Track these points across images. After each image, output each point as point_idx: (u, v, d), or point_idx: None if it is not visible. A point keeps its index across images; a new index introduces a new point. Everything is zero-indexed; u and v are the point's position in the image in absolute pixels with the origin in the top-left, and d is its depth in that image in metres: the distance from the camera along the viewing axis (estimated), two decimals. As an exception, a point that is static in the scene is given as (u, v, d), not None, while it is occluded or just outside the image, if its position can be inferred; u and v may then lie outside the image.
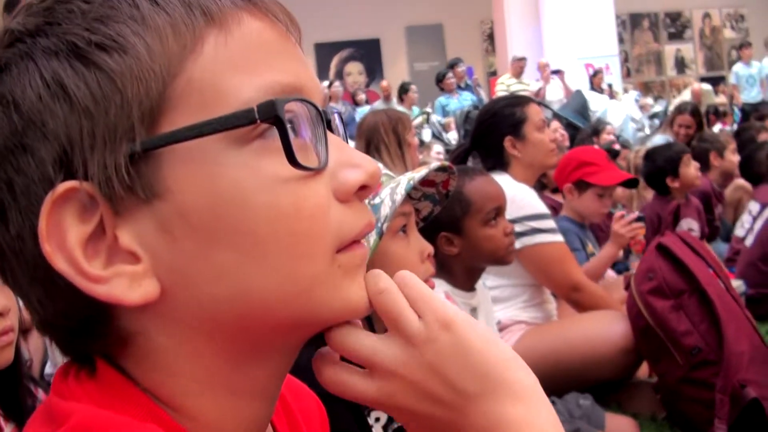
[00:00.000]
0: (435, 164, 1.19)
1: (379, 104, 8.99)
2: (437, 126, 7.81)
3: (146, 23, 0.45)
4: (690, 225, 3.60)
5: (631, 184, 3.13)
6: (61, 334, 0.48)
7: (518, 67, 9.05)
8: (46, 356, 2.43)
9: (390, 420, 1.23)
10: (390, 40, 13.11)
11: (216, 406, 0.48)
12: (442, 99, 8.94)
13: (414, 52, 13.17)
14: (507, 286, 2.52)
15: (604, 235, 3.53)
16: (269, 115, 0.44)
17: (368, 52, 13.11)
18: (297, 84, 0.48)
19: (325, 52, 12.47)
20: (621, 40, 12.35)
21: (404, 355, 0.50)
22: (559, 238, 2.50)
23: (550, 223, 2.50)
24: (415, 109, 8.59)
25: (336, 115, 0.54)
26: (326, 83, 9.07)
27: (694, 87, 10.08)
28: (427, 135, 7.23)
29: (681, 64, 14.13)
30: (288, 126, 0.45)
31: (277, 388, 0.52)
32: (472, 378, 0.49)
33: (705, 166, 4.41)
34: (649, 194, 4.13)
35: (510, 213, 2.05)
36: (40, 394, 1.36)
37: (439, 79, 9.13)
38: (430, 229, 1.54)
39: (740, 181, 4.56)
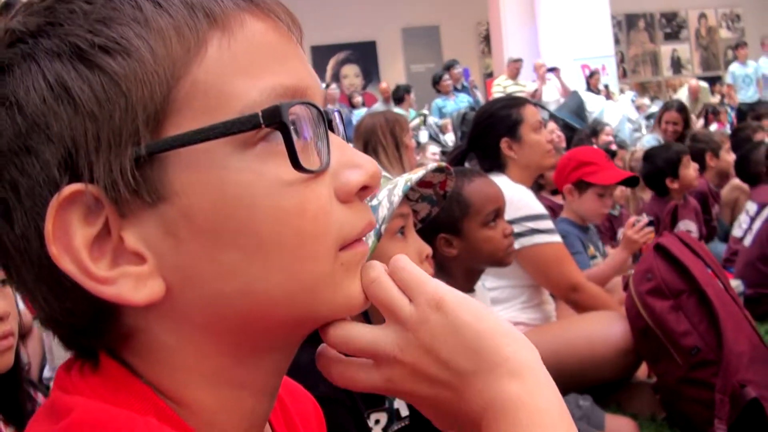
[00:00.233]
0: (432, 165, 1.19)
1: (378, 106, 8.98)
2: (434, 128, 7.80)
3: (149, 26, 0.44)
4: (688, 227, 3.59)
5: (631, 182, 3.12)
6: (66, 330, 0.48)
7: (514, 68, 9.07)
8: (44, 360, 2.43)
9: (390, 422, 1.23)
10: (386, 43, 13.11)
11: (218, 400, 0.49)
12: (438, 101, 8.93)
13: (410, 54, 13.17)
14: (506, 287, 2.51)
15: (603, 235, 3.53)
16: (274, 120, 0.44)
17: (364, 55, 13.11)
18: (300, 85, 0.48)
19: (321, 54, 12.45)
20: (617, 41, 12.39)
21: (401, 340, 0.50)
22: (557, 238, 2.49)
23: (548, 224, 2.50)
24: (412, 111, 8.58)
25: (336, 114, 0.55)
26: (323, 86, 9.03)
27: (692, 83, 10.08)
28: (424, 137, 7.22)
29: (677, 65, 14.15)
30: (291, 128, 0.45)
31: (277, 383, 0.53)
32: (464, 355, 0.48)
33: (701, 167, 4.41)
34: (646, 195, 4.13)
35: (508, 214, 2.04)
36: (40, 397, 1.36)
37: (436, 81, 9.13)
38: (429, 231, 1.54)
39: (737, 181, 4.55)
